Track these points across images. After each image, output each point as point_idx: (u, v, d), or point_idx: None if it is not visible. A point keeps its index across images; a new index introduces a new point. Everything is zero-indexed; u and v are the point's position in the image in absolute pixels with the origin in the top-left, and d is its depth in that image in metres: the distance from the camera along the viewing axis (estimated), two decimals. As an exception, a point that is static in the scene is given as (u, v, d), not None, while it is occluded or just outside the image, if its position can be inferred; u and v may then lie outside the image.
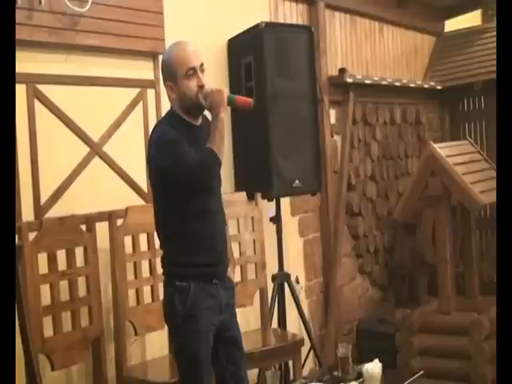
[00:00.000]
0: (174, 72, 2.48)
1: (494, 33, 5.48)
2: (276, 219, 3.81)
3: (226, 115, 2.48)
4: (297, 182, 3.70)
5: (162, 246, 2.59)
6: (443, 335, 3.91)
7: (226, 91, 2.49)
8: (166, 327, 3.22)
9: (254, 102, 2.59)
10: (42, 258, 2.77)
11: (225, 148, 2.51)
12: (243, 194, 3.65)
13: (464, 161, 4.16)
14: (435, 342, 3.92)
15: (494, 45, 5.33)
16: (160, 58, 3.35)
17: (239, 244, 3.57)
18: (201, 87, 2.48)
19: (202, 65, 2.50)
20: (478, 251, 4.74)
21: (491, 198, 4.08)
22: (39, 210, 2.89)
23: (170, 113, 2.57)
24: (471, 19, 6.21)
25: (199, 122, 2.58)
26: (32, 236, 2.75)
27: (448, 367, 3.84)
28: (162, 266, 2.59)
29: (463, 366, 3.79)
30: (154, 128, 2.58)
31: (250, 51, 3.67)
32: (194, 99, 2.49)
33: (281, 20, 4.17)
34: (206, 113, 2.57)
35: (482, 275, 4.90)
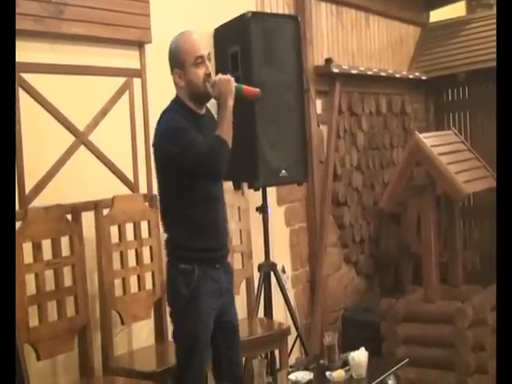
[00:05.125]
0: (183, 59, 2.56)
1: (479, 23, 5.53)
2: (262, 209, 3.82)
3: (232, 103, 2.54)
4: (283, 171, 3.70)
5: (167, 230, 2.66)
6: (427, 324, 3.95)
7: (233, 80, 2.56)
8: (153, 316, 3.25)
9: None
10: (27, 248, 2.75)
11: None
12: (229, 184, 3.65)
13: (448, 151, 4.19)
14: (420, 330, 3.96)
15: (479, 35, 5.39)
16: (146, 46, 3.38)
17: (225, 233, 3.57)
18: (208, 75, 2.57)
19: (208, 54, 2.61)
20: (462, 241, 4.78)
21: (475, 187, 4.11)
22: (24, 199, 2.87)
23: (176, 101, 2.63)
24: (456, 10, 6.23)
25: (203, 110, 2.66)
26: (17, 226, 2.73)
27: (432, 355, 3.88)
28: (166, 249, 2.66)
29: (447, 353, 3.82)
30: (161, 116, 2.62)
31: (236, 41, 3.65)
32: (202, 87, 2.56)
33: (267, 9, 4.17)
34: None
35: (465, 264, 4.95)
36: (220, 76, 2.56)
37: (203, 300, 2.56)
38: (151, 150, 2.69)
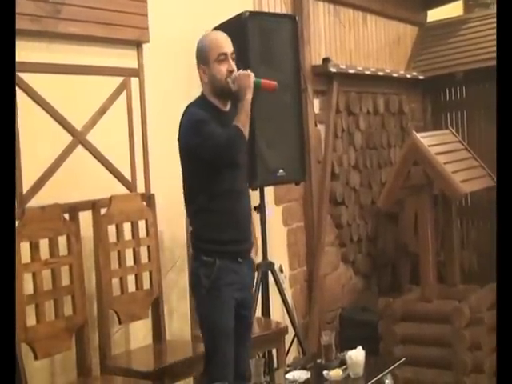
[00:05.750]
0: (207, 55, 2.68)
1: (476, 23, 5.54)
2: (260, 208, 3.81)
3: (250, 97, 2.65)
4: (281, 171, 3.70)
5: (190, 223, 2.76)
6: (425, 323, 3.95)
7: (253, 75, 2.68)
8: (150, 316, 3.26)
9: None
10: (25, 247, 2.75)
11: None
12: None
13: (446, 150, 4.19)
14: (417, 329, 3.96)
15: (476, 35, 5.40)
16: (144, 46, 3.38)
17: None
18: (230, 72, 2.67)
19: (232, 53, 2.71)
20: (459, 240, 4.79)
21: (472, 187, 4.12)
22: (21, 198, 2.87)
23: (201, 97, 2.75)
24: (453, 9, 6.23)
25: (227, 107, 2.75)
26: (15, 225, 2.73)
27: (429, 354, 3.88)
28: (191, 241, 2.76)
29: (444, 353, 3.83)
30: (185, 110, 2.71)
31: (233, 40, 3.62)
32: (224, 83, 2.66)
33: (265, 9, 4.17)
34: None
35: (462, 264, 4.95)
36: (240, 71, 2.67)
37: (224, 289, 2.63)
38: (177, 145, 2.74)
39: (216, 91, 2.70)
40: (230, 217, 2.66)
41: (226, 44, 2.71)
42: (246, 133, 2.62)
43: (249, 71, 2.70)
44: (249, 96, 2.65)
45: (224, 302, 2.64)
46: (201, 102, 2.72)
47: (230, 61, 2.69)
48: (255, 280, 3.69)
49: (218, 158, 2.60)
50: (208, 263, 2.64)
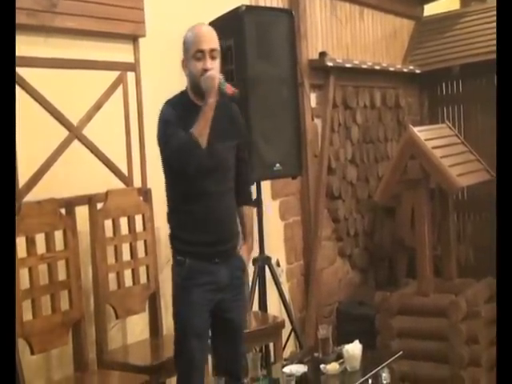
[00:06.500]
0: (187, 50, 2.61)
1: (473, 17, 5.53)
2: (257, 202, 3.81)
3: (213, 101, 2.51)
4: (277, 165, 3.70)
5: (167, 222, 2.72)
6: (421, 317, 3.95)
7: (220, 78, 2.54)
8: (147, 310, 3.26)
9: (235, 85, 2.62)
10: (21, 242, 2.75)
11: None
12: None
13: (442, 144, 4.19)
14: (414, 323, 3.97)
15: (473, 29, 5.39)
16: (140, 40, 3.37)
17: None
18: (205, 70, 2.55)
19: (212, 50, 2.57)
20: (456, 234, 4.79)
21: (469, 180, 4.12)
22: (17, 193, 2.85)
23: (182, 92, 2.68)
24: (450, 3, 6.22)
25: None
26: (11, 220, 2.72)
27: (426, 348, 3.89)
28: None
29: (441, 346, 3.84)
30: (162, 106, 2.66)
31: (230, 34, 3.64)
32: (198, 80, 2.57)
33: (261, 3, 4.16)
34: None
35: (459, 257, 4.96)
36: (208, 73, 2.54)
37: (194, 290, 2.57)
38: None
39: (192, 87, 2.62)
40: (201, 218, 2.59)
41: (205, 40, 2.58)
42: (203, 140, 2.48)
43: (215, 73, 2.55)
44: (211, 100, 2.50)
45: (194, 302, 2.57)
46: (179, 98, 2.65)
47: (208, 59, 2.56)
48: (251, 277, 3.74)
49: (173, 164, 2.54)
50: (180, 262, 2.61)
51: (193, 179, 2.55)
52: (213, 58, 2.58)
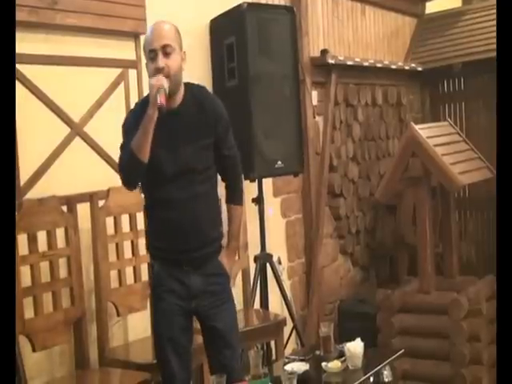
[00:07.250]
0: (144, 51, 2.49)
1: (475, 14, 5.52)
2: (258, 200, 3.81)
3: (154, 112, 2.30)
4: (279, 162, 3.70)
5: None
6: (423, 315, 3.95)
7: (160, 85, 2.32)
8: (149, 308, 3.26)
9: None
10: (22, 239, 2.75)
11: None
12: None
13: (444, 142, 4.18)
14: (415, 321, 3.97)
15: (475, 26, 5.38)
16: (141, 37, 3.35)
17: (221, 225, 3.57)
18: (157, 70, 2.38)
19: (165, 46, 2.38)
20: (457, 232, 4.79)
21: (470, 178, 4.12)
22: (19, 191, 2.86)
23: (147, 94, 2.48)
24: (452, 1, 6.21)
25: (178, 102, 2.48)
26: (12, 217, 2.72)
27: (427, 346, 3.89)
28: None
29: (442, 344, 3.83)
30: None
31: (232, 32, 3.64)
32: None
33: (263, 0, 4.15)
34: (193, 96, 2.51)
35: (460, 255, 4.96)
36: (150, 80, 2.37)
37: (163, 297, 2.52)
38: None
39: None
40: (165, 226, 2.49)
41: (155, 39, 2.38)
42: (143, 154, 2.32)
43: (153, 81, 2.32)
44: (150, 111, 2.30)
45: (163, 309, 2.52)
46: (141, 103, 2.49)
47: (160, 57, 2.37)
48: (253, 275, 3.73)
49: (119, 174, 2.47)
50: (151, 266, 2.61)
51: (153, 186, 2.48)
52: (166, 54, 2.38)
